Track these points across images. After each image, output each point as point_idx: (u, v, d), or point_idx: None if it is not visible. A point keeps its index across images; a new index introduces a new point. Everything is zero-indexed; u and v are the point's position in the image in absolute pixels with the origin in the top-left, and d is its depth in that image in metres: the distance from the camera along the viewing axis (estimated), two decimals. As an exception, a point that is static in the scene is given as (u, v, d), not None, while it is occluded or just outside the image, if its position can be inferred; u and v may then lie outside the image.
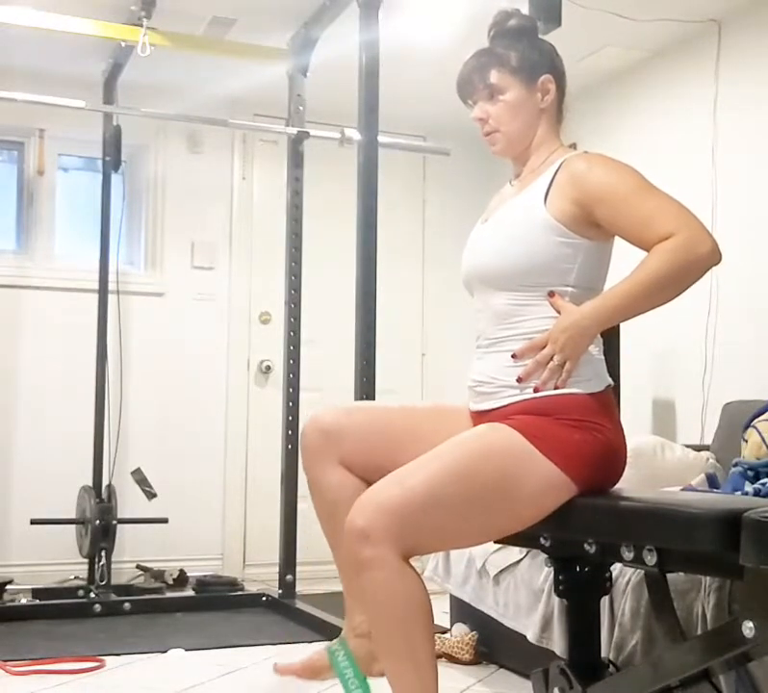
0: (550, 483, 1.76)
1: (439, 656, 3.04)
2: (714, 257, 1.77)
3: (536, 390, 1.85)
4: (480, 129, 2.03)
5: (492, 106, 2.00)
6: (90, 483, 4.31)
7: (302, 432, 1.98)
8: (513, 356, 1.88)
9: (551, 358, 1.84)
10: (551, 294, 1.88)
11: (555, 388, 1.84)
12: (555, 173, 1.92)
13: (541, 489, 1.76)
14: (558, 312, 1.87)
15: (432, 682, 1.71)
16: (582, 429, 1.81)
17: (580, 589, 1.90)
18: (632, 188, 1.84)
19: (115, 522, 4.13)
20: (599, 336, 1.93)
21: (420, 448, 1.82)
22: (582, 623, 1.92)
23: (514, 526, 1.80)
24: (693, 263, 1.76)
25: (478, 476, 1.74)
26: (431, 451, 1.81)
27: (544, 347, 1.85)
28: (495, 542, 2.06)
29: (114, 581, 4.14)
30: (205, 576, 4.41)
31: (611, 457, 1.85)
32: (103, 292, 4.42)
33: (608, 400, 1.89)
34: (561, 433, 1.79)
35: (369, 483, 1.80)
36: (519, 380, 1.86)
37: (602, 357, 1.93)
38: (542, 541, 1.90)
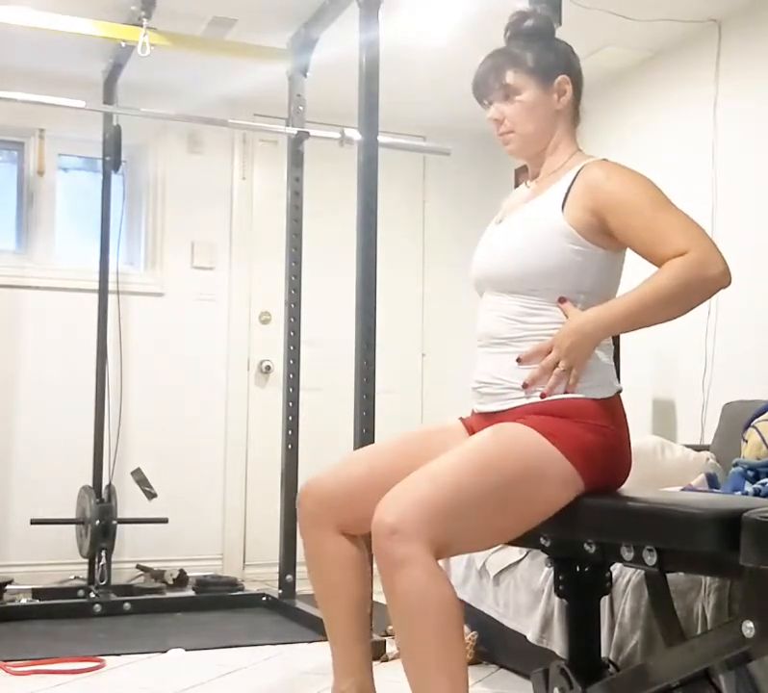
0: (566, 480, 1.77)
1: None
2: (724, 279, 1.76)
3: (543, 396, 1.84)
4: (495, 130, 2.02)
5: (507, 106, 1.99)
6: (90, 483, 4.31)
7: (298, 500, 1.96)
8: (518, 360, 1.87)
9: (557, 363, 1.84)
10: (562, 299, 1.87)
11: (565, 393, 1.84)
12: (573, 180, 1.91)
13: (558, 484, 1.76)
14: (566, 317, 1.87)
15: (464, 685, 1.65)
16: (592, 431, 1.81)
17: (580, 589, 1.90)
18: (648, 201, 1.83)
19: (115, 522, 4.12)
20: (610, 343, 1.93)
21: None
22: (582, 623, 1.92)
23: (531, 522, 1.79)
24: (703, 282, 1.76)
25: (504, 471, 1.74)
26: (454, 450, 1.80)
27: (549, 352, 1.85)
28: (498, 542, 2.06)
29: (114, 581, 4.14)
30: (205, 576, 4.41)
31: (618, 461, 1.86)
32: (103, 292, 4.42)
33: (617, 406, 1.89)
34: (575, 432, 1.79)
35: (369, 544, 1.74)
36: (524, 386, 1.86)
37: (612, 363, 1.92)
38: (542, 541, 1.90)
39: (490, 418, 1.90)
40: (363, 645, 1.95)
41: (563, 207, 1.88)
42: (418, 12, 3.85)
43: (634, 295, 1.80)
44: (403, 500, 1.68)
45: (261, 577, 4.59)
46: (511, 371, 1.88)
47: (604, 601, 2.16)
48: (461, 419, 2.04)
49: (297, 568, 3.98)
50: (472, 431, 1.95)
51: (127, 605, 3.87)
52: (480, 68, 2.02)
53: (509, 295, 1.92)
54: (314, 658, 3.12)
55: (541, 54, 1.99)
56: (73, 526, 4.30)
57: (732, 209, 3.81)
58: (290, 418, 4.04)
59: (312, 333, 4.36)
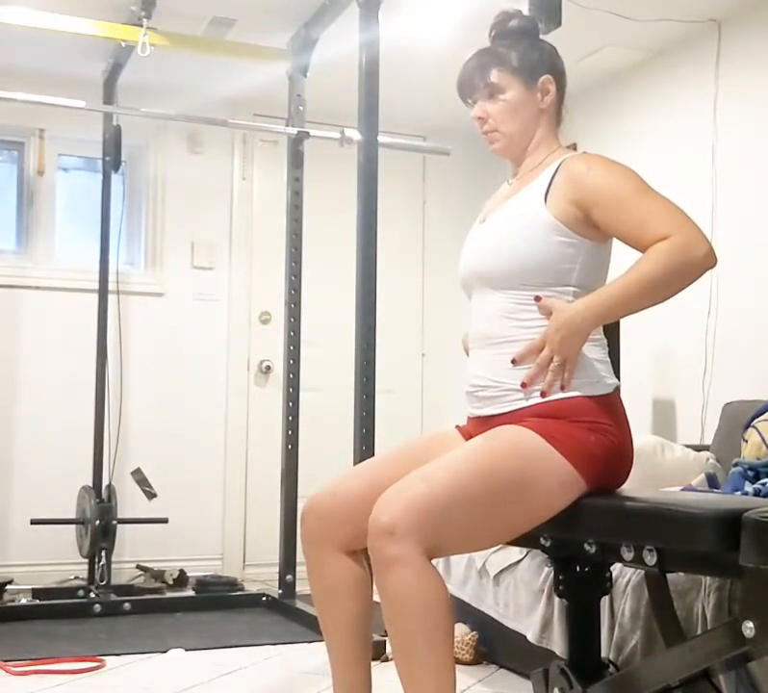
0: (566, 482, 1.76)
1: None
2: (709, 260, 1.77)
3: (543, 394, 1.84)
4: (479, 128, 2.03)
5: (492, 105, 2.00)
6: (90, 483, 4.31)
7: (301, 517, 1.96)
8: (512, 361, 1.87)
9: (551, 359, 1.83)
10: (537, 298, 1.87)
11: (562, 389, 1.84)
12: (555, 173, 1.91)
13: (557, 488, 1.76)
14: (549, 314, 1.86)
15: (450, 687, 1.67)
16: (595, 431, 1.81)
17: (580, 589, 1.91)
18: (630, 190, 1.84)
19: (115, 522, 4.12)
20: (603, 337, 1.93)
21: None
22: (582, 623, 1.92)
23: (527, 525, 1.79)
24: (688, 265, 1.76)
25: (500, 474, 1.74)
26: (452, 452, 1.80)
27: (542, 349, 1.84)
28: (498, 542, 2.06)
29: (114, 581, 4.14)
30: (205, 576, 4.41)
31: (620, 460, 1.85)
32: (103, 292, 4.42)
33: (615, 403, 1.88)
34: (576, 433, 1.79)
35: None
36: (523, 385, 1.85)
37: (607, 359, 1.92)
38: (542, 541, 1.90)
39: (488, 421, 1.90)
40: (363, 666, 1.92)
41: (546, 200, 1.89)
42: (418, 12, 3.85)
43: (620, 283, 1.80)
44: (398, 501, 1.68)
45: (261, 577, 4.59)
46: (508, 372, 1.88)
47: (604, 601, 2.16)
48: (458, 427, 2.03)
49: (297, 568, 3.97)
50: (469, 437, 1.94)
51: (127, 605, 3.87)
52: (465, 67, 2.03)
53: (500, 292, 1.91)
54: (314, 658, 3.12)
55: (525, 53, 2.00)
56: (73, 526, 4.31)
57: (732, 209, 3.81)
58: (290, 418, 4.04)
59: (312, 333, 4.36)
